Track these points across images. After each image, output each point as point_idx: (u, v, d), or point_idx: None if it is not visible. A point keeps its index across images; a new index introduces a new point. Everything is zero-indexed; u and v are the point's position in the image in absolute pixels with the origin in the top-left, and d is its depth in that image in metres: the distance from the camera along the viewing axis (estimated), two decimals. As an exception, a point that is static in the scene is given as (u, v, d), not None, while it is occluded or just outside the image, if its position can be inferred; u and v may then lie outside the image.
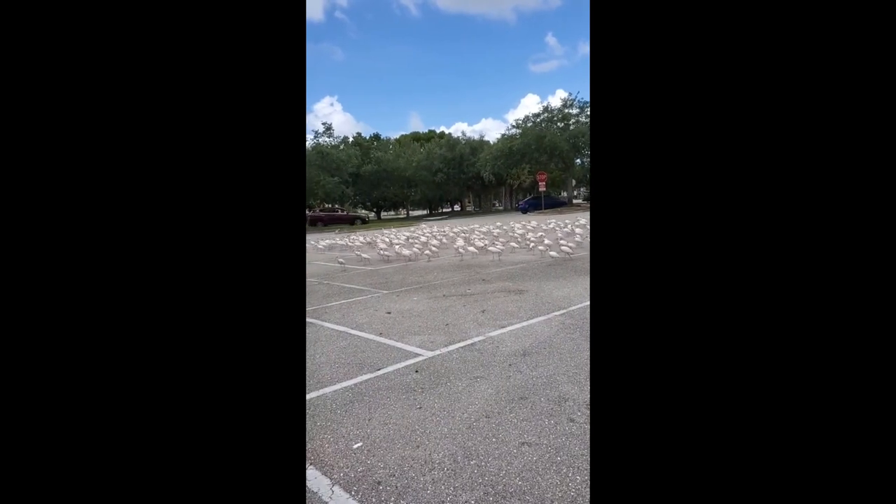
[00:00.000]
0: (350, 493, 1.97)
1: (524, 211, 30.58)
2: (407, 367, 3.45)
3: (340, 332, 4.55)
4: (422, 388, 3.01)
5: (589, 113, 28.74)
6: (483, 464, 2.11)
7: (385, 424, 2.56)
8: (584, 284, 6.05)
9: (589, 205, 26.33)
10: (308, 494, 1.97)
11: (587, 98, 29.57)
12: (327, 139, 33.98)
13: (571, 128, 31.59)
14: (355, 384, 3.16)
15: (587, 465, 2.01)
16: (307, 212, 32.72)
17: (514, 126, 34.28)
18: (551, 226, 14.10)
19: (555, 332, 4.07)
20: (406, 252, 10.04)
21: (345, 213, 32.73)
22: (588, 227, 12.86)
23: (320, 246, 13.21)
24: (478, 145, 38.46)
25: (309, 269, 9.72)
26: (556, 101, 40.07)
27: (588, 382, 2.86)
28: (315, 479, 2.08)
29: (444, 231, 15.89)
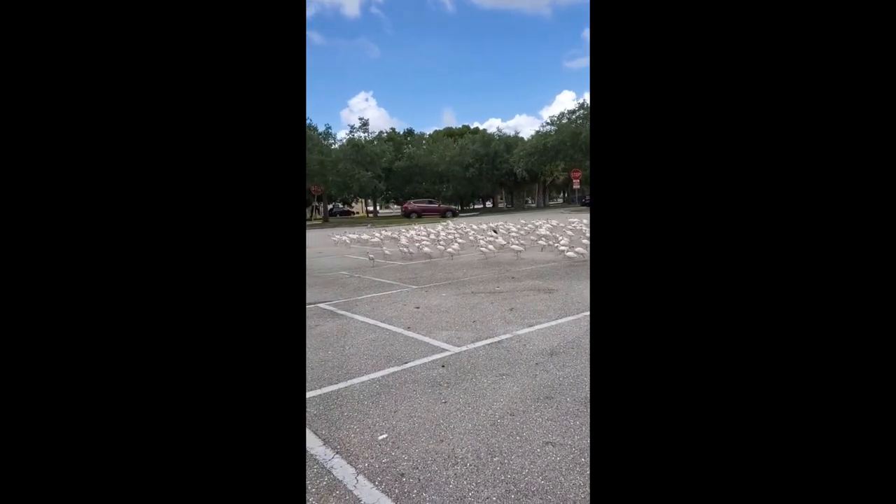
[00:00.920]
0: (374, 483, 2.01)
1: (586, 205, 30.50)
2: (433, 361, 3.48)
3: (370, 324, 4.62)
4: (447, 383, 3.04)
5: None
6: (506, 461, 2.11)
7: (410, 417, 2.59)
8: (615, 285, 5.94)
9: None
10: (334, 483, 2.02)
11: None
12: (362, 134, 34.31)
13: (608, 125, 30.88)
14: (382, 376, 3.22)
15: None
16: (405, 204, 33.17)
17: (548, 123, 33.95)
18: (574, 225, 13.84)
19: (583, 332, 4.02)
20: (427, 249, 10.05)
21: (437, 205, 32.80)
22: None
23: (346, 240, 13.37)
24: (512, 142, 38.16)
25: (341, 262, 9.89)
26: (592, 97, 39.28)
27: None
28: (341, 467, 2.13)
29: (462, 228, 15.81)
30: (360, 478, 2.05)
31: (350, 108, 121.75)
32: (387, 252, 10.36)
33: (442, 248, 9.90)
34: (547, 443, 2.25)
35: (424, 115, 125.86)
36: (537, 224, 14.97)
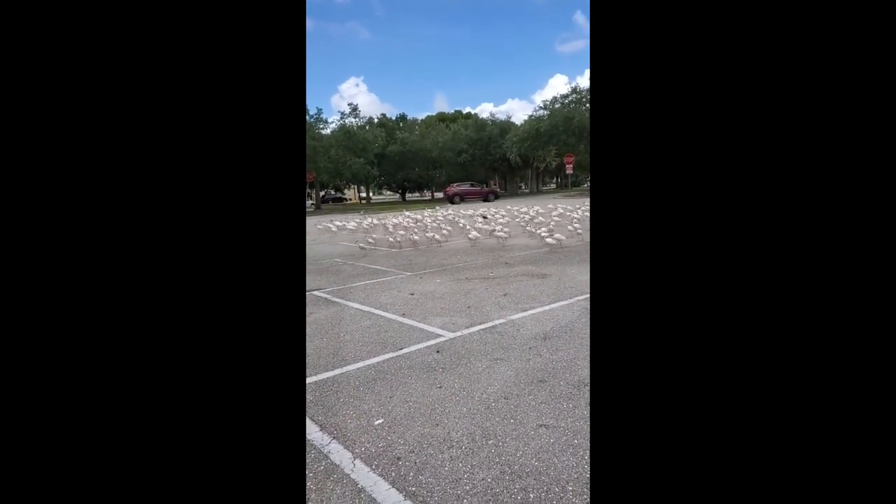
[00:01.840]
0: (371, 466, 2.04)
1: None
2: (428, 347, 3.51)
3: (365, 311, 4.64)
4: (442, 368, 3.07)
5: None
6: (500, 444, 2.15)
7: (406, 402, 2.62)
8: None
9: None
10: (331, 467, 2.05)
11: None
12: (353, 120, 33.94)
13: (602, 109, 30.75)
14: (378, 363, 3.24)
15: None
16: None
17: (541, 107, 33.66)
18: (559, 211, 13.79)
19: (576, 316, 4.06)
20: (416, 237, 10.00)
21: (480, 188, 32.21)
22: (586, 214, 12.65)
23: (333, 227, 13.23)
24: (506, 126, 37.92)
25: (335, 249, 9.87)
26: (584, 81, 39.08)
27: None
28: (338, 452, 2.16)
29: (450, 215, 15.69)
30: (357, 462, 2.08)
31: (340, 93, 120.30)
32: (373, 238, 10.31)
33: (430, 235, 9.89)
34: (540, 425, 2.29)
35: (416, 100, 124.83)
36: (524, 210, 14.95)
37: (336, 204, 41.22)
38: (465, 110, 48.78)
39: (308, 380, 3.00)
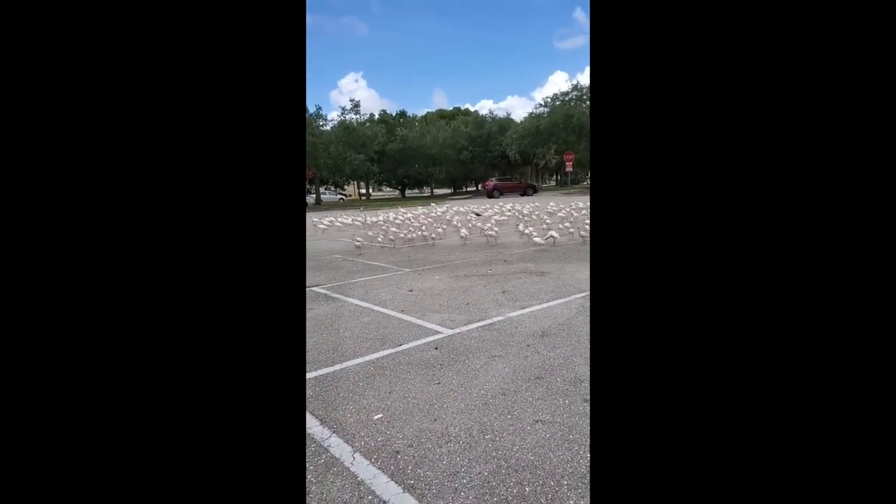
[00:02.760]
0: (370, 460, 2.08)
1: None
2: (427, 343, 3.54)
3: (364, 307, 4.68)
4: (441, 365, 3.11)
5: None
6: (497, 438, 2.19)
7: (405, 398, 2.66)
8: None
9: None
10: (331, 460, 2.09)
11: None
12: (354, 116, 33.89)
13: (602, 107, 30.68)
14: (377, 358, 3.28)
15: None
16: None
17: (541, 104, 33.60)
18: (552, 208, 13.76)
19: (574, 314, 4.10)
20: (411, 235, 9.93)
21: (518, 182, 32.53)
22: (583, 211, 12.65)
23: (322, 225, 13.20)
24: (506, 124, 37.89)
25: (335, 245, 9.90)
26: (585, 78, 38.89)
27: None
28: (338, 446, 2.20)
29: (443, 213, 15.60)
30: (357, 455, 2.12)
31: (340, 89, 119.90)
32: (365, 236, 10.31)
33: (426, 234, 9.89)
34: (537, 421, 2.33)
35: (415, 96, 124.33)
36: (517, 208, 14.93)
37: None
38: (465, 107, 48.78)
39: (309, 375, 3.03)
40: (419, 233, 10.14)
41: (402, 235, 9.81)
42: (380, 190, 54.03)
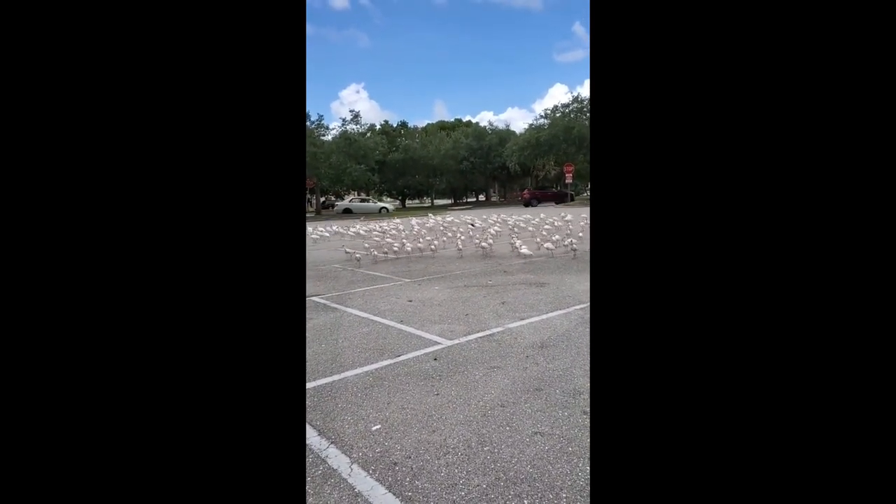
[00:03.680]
0: (368, 471, 2.07)
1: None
2: (426, 354, 3.54)
3: (363, 318, 4.67)
4: (440, 376, 3.10)
5: None
6: (496, 450, 2.18)
7: (403, 409, 2.65)
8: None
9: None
10: (329, 472, 2.08)
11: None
12: (355, 127, 34.07)
13: (603, 119, 30.95)
14: (376, 369, 3.27)
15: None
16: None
17: (542, 116, 33.87)
18: (541, 217, 13.72)
19: (573, 325, 4.09)
20: (409, 247, 9.90)
21: (555, 191, 33.98)
22: (575, 223, 12.66)
23: (314, 236, 13.19)
24: (505, 135, 38.14)
25: (335, 255, 9.90)
26: (585, 91, 39.21)
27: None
28: (336, 457, 2.18)
29: (438, 223, 15.58)
30: (355, 467, 2.11)
31: (341, 100, 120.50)
32: (364, 247, 10.31)
33: (423, 244, 9.89)
34: (536, 433, 2.32)
35: (416, 108, 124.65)
36: (510, 219, 14.95)
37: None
38: (465, 118, 49.03)
39: (307, 385, 3.02)
40: (417, 244, 10.14)
41: (396, 248, 9.79)
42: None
